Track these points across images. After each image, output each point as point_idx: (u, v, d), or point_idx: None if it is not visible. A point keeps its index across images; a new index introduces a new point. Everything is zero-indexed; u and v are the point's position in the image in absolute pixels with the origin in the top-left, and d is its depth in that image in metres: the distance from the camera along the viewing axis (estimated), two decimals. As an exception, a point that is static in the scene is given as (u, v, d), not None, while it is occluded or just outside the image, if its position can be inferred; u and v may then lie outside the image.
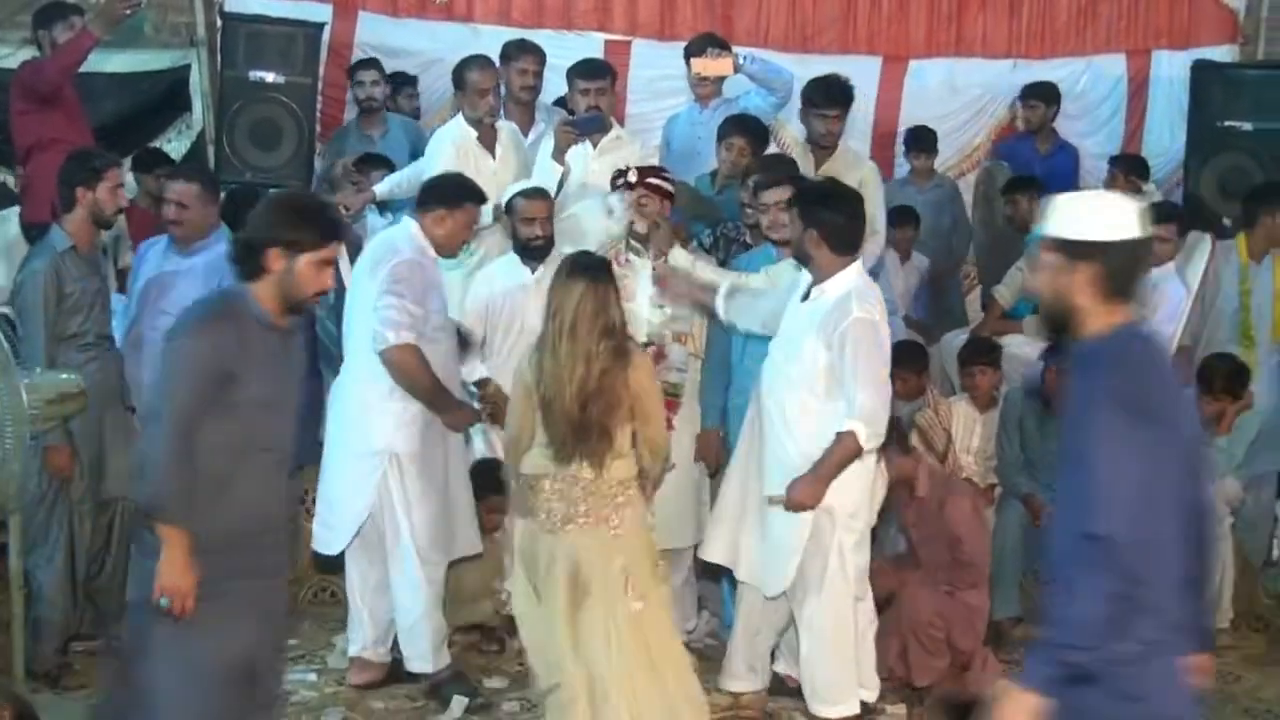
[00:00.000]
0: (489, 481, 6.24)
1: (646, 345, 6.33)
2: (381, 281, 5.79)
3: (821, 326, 5.51)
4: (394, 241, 5.99)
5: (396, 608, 6.08)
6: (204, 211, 6.52)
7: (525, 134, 7.52)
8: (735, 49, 7.92)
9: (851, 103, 7.56)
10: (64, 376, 5.88)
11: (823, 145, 7.43)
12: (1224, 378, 7.28)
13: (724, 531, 5.96)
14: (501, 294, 6.63)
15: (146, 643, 4.35)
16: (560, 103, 7.96)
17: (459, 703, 6.00)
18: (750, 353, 6.20)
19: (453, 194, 6.07)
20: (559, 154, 7.06)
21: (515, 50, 7.62)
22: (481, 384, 6.59)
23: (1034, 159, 9.23)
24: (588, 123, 7.16)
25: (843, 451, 5.46)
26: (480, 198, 6.22)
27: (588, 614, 5.11)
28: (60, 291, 6.01)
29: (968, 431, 7.35)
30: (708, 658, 6.53)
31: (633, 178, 6.40)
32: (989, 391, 7.40)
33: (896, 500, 6.41)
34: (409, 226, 6.02)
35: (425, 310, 5.84)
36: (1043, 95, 9.38)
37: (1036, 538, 7.04)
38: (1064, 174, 9.17)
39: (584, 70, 7.46)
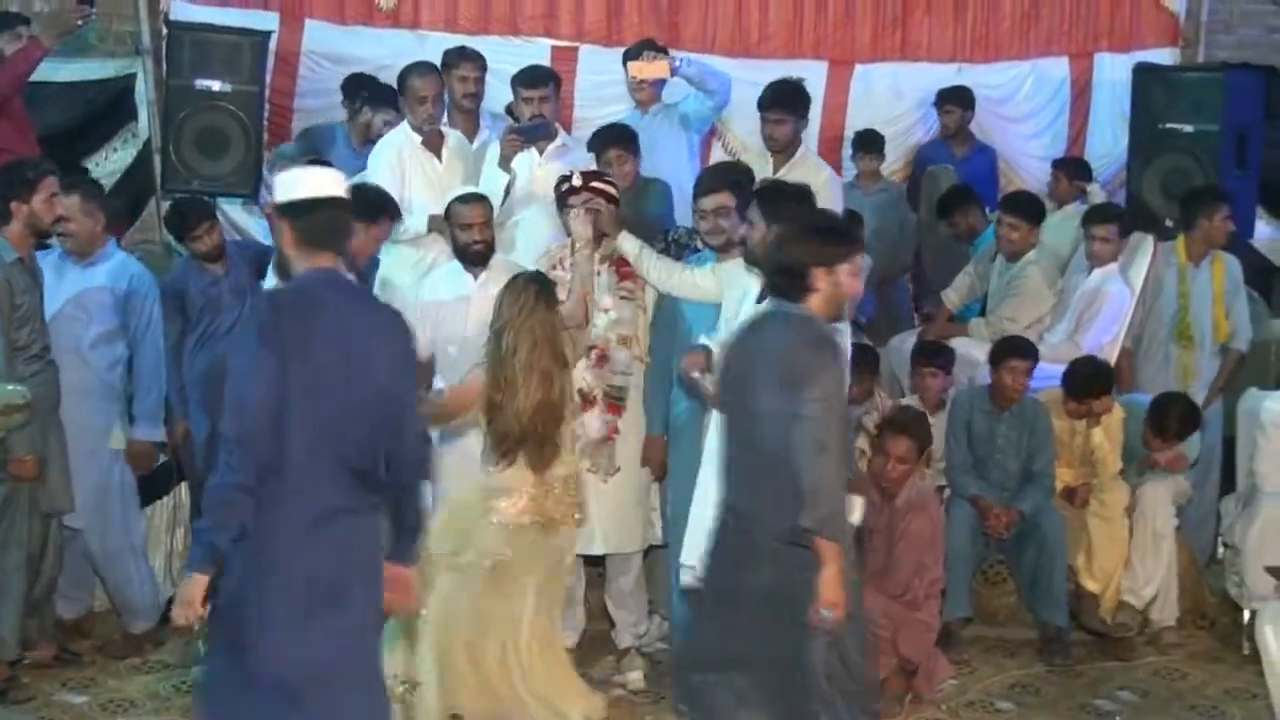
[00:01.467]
0: None
1: (591, 349, 6.36)
2: None
3: None
4: None
5: None
6: (90, 223, 6.56)
7: (470, 140, 7.51)
8: (673, 53, 7.96)
9: (802, 106, 7.57)
10: (10, 388, 5.86)
11: (774, 150, 7.46)
12: (1178, 420, 7.28)
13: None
14: (450, 305, 6.57)
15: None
16: (511, 110, 7.97)
17: None
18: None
19: (369, 209, 6.09)
20: (505, 162, 7.07)
21: (455, 58, 7.62)
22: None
23: (950, 163, 9.32)
24: (533, 130, 7.17)
25: None
26: (396, 212, 6.23)
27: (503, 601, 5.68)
28: (12, 303, 5.98)
29: (917, 433, 7.39)
30: (659, 661, 6.59)
31: (577, 181, 6.40)
32: (939, 394, 7.44)
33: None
34: None
35: None
36: (958, 100, 9.46)
37: (985, 539, 7.12)
38: (982, 176, 9.27)
39: (526, 78, 7.46)
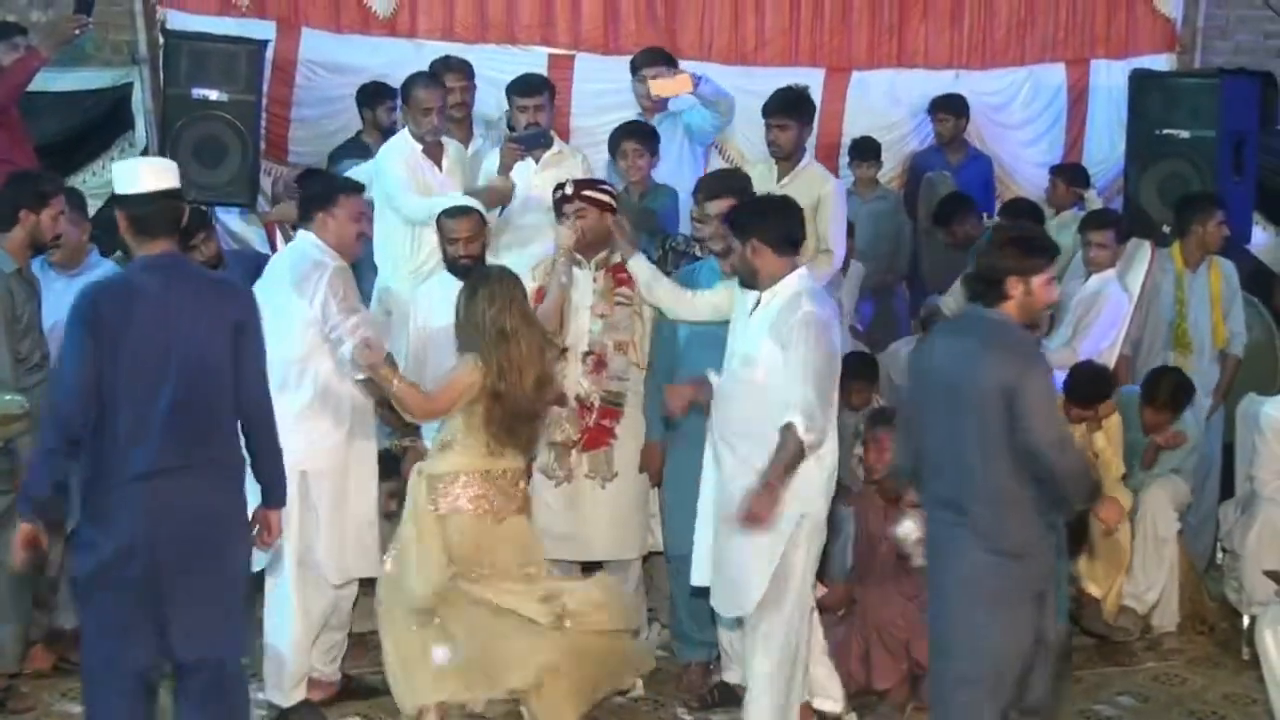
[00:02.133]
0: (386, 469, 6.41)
1: (588, 354, 6.36)
2: (325, 302, 5.74)
3: (775, 327, 5.48)
4: (308, 254, 5.90)
5: (266, 626, 5.97)
6: (77, 232, 6.57)
7: (466, 148, 7.54)
8: (689, 68, 7.96)
9: (806, 114, 7.63)
10: (8, 398, 5.84)
11: (776, 157, 7.51)
12: (1169, 390, 7.33)
13: (706, 553, 5.83)
14: (442, 312, 6.55)
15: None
16: (508, 119, 7.98)
17: None
18: (691, 361, 6.19)
19: (321, 194, 6.06)
20: (504, 170, 7.09)
21: (440, 68, 7.68)
22: None
23: (946, 169, 9.32)
24: (532, 139, 7.19)
25: (786, 450, 5.36)
26: (355, 187, 6.16)
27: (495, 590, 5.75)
28: (14, 314, 5.99)
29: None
30: (659, 669, 6.56)
31: (569, 190, 6.39)
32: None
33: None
34: (309, 239, 5.95)
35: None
36: (951, 108, 9.46)
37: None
38: (978, 184, 9.26)
39: (521, 87, 7.47)
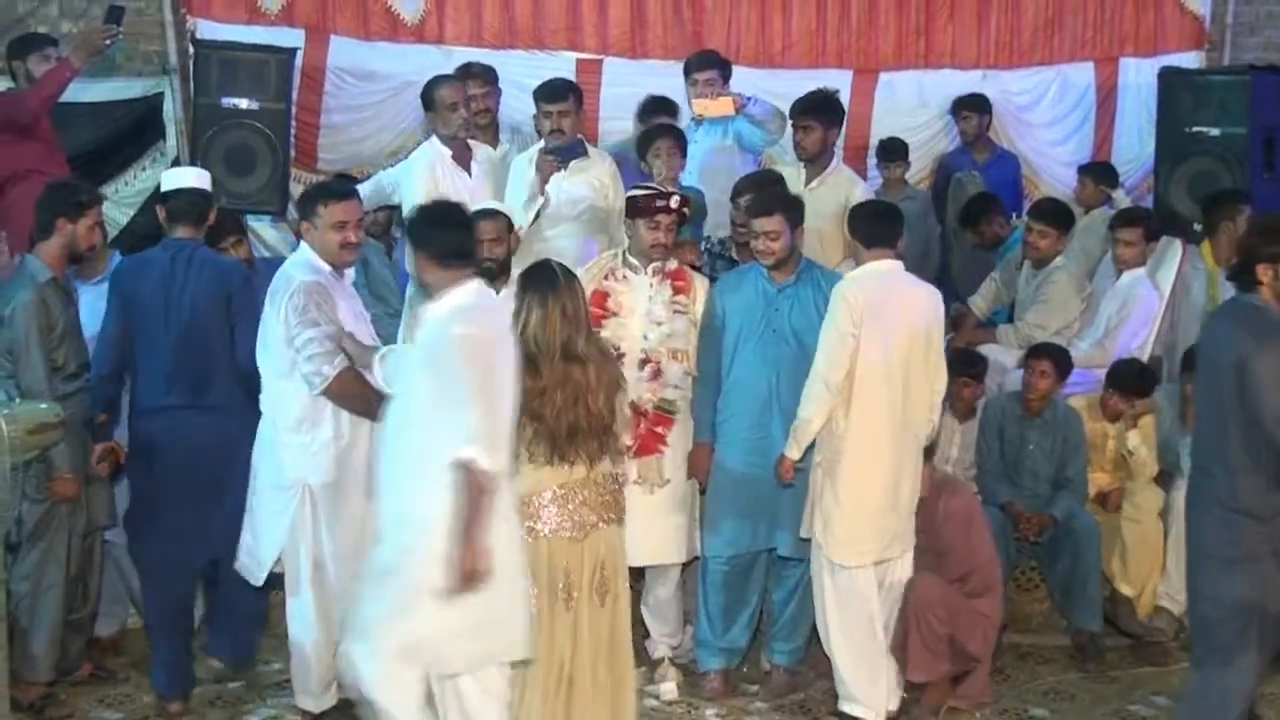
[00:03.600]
0: None
1: (644, 363, 6.37)
2: (286, 318, 5.68)
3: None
4: (287, 271, 5.87)
5: (291, 634, 5.96)
6: (102, 241, 6.65)
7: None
8: (739, 92, 7.95)
9: (832, 116, 7.68)
10: (43, 406, 5.87)
11: (802, 159, 7.56)
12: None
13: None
14: None
15: None
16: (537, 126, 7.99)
17: None
18: (742, 364, 6.29)
19: (301, 204, 6.04)
20: (542, 183, 7.09)
21: (462, 74, 7.69)
22: None
23: (973, 169, 9.30)
24: (569, 151, 7.19)
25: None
26: (345, 192, 6.02)
27: (565, 610, 5.30)
28: (49, 322, 6.02)
29: (947, 441, 7.34)
30: (693, 672, 6.58)
31: (674, 203, 6.43)
32: (971, 403, 7.43)
33: None
34: (303, 250, 5.93)
35: (338, 325, 5.71)
36: (974, 106, 9.49)
37: (1018, 544, 7.10)
38: (1006, 183, 9.25)
39: (546, 93, 7.44)
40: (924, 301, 6.15)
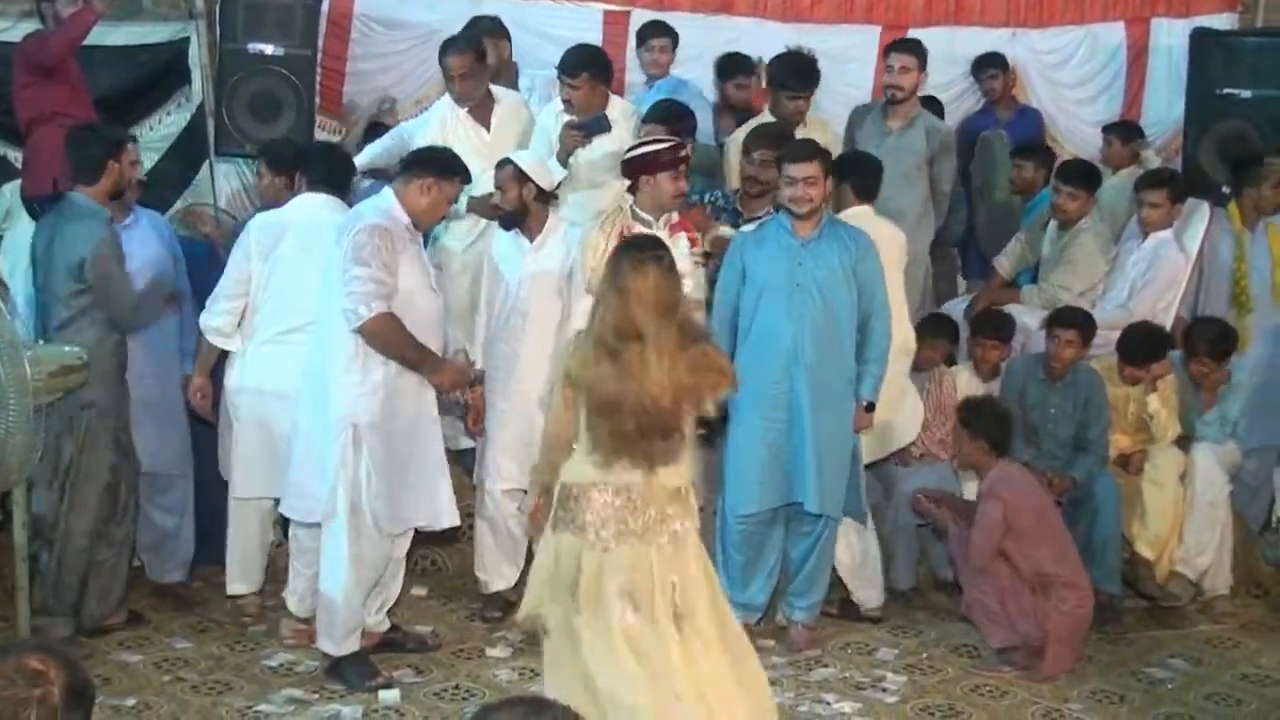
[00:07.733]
0: None
1: None
2: (345, 253, 5.73)
3: None
4: (361, 210, 5.94)
5: (321, 574, 5.99)
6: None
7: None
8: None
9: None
10: (67, 349, 5.91)
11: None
12: (1209, 341, 7.29)
13: None
14: (506, 265, 6.64)
15: None
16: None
17: (390, 694, 5.89)
18: (763, 315, 6.34)
19: (445, 165, 6.03)
20: (564, 156, 7.06)
21: (477, 31, 7.83)
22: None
23: (998, 128, 9.24)
24: (593, 124, 7.13)
25: None
26: (467, 177, 6.18)
27: (651, 629, 4.83)
28: (121, 254, 6.19)
29: (971, 400, 7.34)
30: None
31: (685, 153, 6.51)
32: (996, 364, 7.43)
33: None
34: (386, 195, 5.97)
35: (395, 278, 5.75)
36: (995, 63, 9.44)
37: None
38: (1030, 136, 9.19)
39: (562, 67, 7.26)
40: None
